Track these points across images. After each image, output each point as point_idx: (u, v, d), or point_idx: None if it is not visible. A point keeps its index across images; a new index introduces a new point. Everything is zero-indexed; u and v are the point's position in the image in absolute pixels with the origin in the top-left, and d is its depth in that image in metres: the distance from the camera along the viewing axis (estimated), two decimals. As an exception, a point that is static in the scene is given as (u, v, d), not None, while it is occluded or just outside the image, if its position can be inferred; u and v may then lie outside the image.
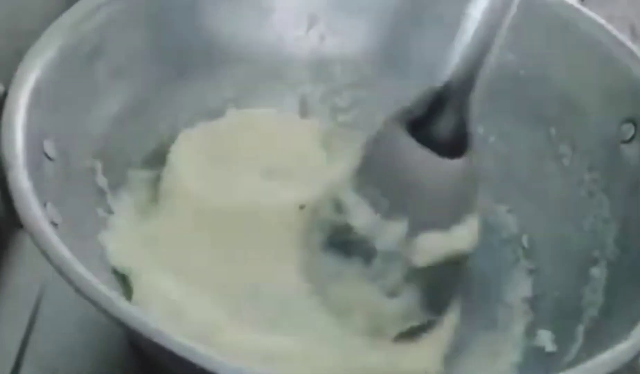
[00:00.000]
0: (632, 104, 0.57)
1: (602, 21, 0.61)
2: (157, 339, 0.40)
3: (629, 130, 0.57)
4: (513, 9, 0.53)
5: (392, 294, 0.54)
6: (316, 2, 0.65)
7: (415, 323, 0.55)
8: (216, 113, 0.63)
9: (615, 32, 0.60)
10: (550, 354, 0.54)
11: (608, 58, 0.59)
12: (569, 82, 0.61)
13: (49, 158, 0.50)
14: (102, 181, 0.55)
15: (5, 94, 0.50)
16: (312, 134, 0.64)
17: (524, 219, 0.62)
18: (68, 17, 0.55)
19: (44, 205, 0.46)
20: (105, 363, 0.54)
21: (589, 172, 0.59)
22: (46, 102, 0.51)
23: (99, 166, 0.55)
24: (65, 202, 0.49)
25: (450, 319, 0.57)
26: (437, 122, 0.55)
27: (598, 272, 0.55)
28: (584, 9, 0.62)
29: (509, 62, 0.63)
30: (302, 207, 0.58)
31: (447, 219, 0.54)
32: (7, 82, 0.50)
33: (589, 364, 0.45)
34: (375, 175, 0.56)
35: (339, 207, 0.56)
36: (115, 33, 0.57)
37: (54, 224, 0.45)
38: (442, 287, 0.56)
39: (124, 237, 0.55)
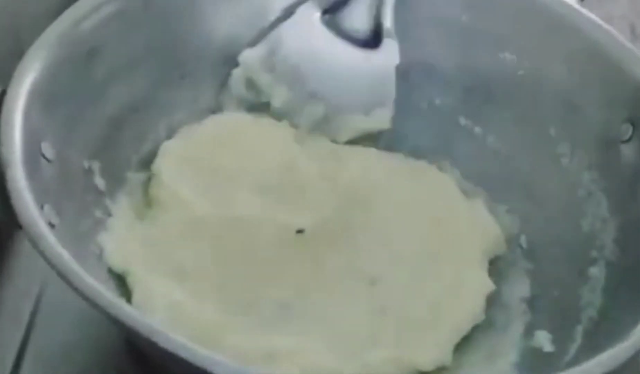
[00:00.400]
0: (630, 104, 0.57)
1: (601, 21, 0.61)
2: (154, 338, 0.40)
3: (627, 130, 0.57)
4: None
5: None
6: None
7: None
8: (215, 113, 0.63)
9: (614, 32, 0.60)
10: (548, 354, 0.54)
11: (607, 58, 0.59)
12: (567, 82, 0.61)
13: (47, 160, 0.50)
14: (99, 182, 0.55)
15: (3, 93, 0.50)
16: (292, 139, 0.63)
17: (522, 219, 0.61)
18: (66, 18, 0.55)
19: (42, 207, 0.46)
20: (104, 362, 0.54)
21: (587, 172, 0.58)
22: (44, 103, 0.51)
23: (96, 167, 0.55)
24: (63, 203, 0.49)
25: (466, 311, 0.57)
26: (350, 13, 0.60)
27: (597, 273, 0.55)
28: (583, 9, 0.62)
29: (507, 62, 0.63)
30: (300, 231, 0.58)
31: (364, 104, 0.61)
32: (6, 82, 0.50)
33: (588, 364, 0.45)
34: (290, 59, 0.60)
35: (251, 86, 0.59)
36: (113, 34, 0.57)
37: (52, 225, 0.46)
38: None
39: (122, 239, 0.55)
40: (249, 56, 0.62)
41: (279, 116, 0.61)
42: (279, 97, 0.61)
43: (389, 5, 0.60)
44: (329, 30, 0.60)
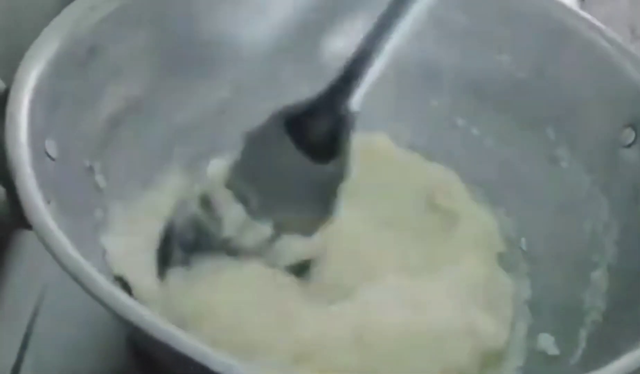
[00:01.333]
0: (631, 108, 0.57)
1: (601, 24, 0.61)
2: (171, 342, 0.40)
3: (629, 135, 0.57)
4: (395, 36, 0.56)
5: None
6: (313, 3, 0.65)
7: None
8: (214, 113, 0.62)
9: (614, 35, 0.60)
10: (553, 358, 0.54)
11: (607, 61, 0.59)
12: (566, 84, 0.61)
13: (51, 158, 0.50)
14: (100, 181, 0.55)
15: (7, 91, 0.49)
16: None
17: (522, 222, 0.62)
18: (67, 16, 0.55)
19: (48, 204, 0.45)
20: (105, 362, 0.54)
21: (588, 176, 0.59)
22: (47, 101, 0.51)
23: (97, 166, 0.55)
24: (67, 202, 0.49)
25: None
26: (312, 126, 0.57)
27: (599, 276, 0.56)
28: (582, 11, 0.62)
29: (506, 65, 0.63)
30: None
31: (309, 223, 0.57)
32: (8, 80, 0.50)
33: (608, 368, 0.44)
34: (250, 170, 0.57)
35: (206, 203, 0.57)
36: (114, 32, 0.57)
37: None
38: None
39: (121, 240, 0.55)
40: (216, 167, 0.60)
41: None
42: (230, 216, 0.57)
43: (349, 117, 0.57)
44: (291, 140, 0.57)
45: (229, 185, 0.56)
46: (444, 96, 0.65)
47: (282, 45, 0.64)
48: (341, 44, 0.64)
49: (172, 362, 0.43)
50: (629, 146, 0.57)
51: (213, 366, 0.39)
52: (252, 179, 0.56)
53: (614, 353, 0.45)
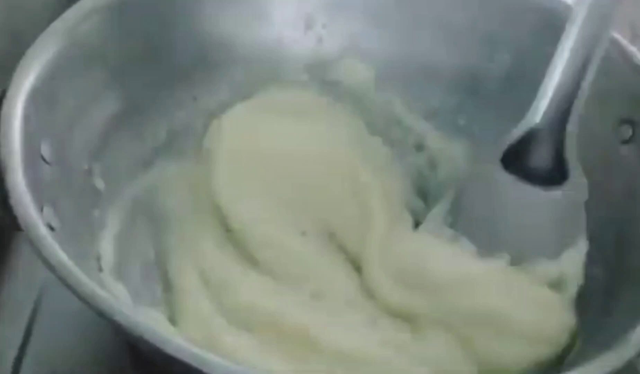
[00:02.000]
0: (630, 105, 0.57)
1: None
2: (157, 344, 0.40)
3: (627, 131, 0.57)
4: (604, 45, 0.55)
5: None
6: (314, 3, 0.65)
7: None
8: (213, 115, 0.62)
9: (612, 33, 0.59)
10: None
11: (606, 59, 0.58)
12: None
13: (46, 161, 0.50)
14: (99, 183, 0.55)
15: (3, 94, 0.50)
16: None
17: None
18: (65, 19, 0.55)
19: (41, 209, 0.46)
20: (104, 363, 0.54)
21: (587, 173, 0.58)
22: (43, 105, 0.51)
23: (96, 168, 0.55)
24: (62, 205, 0.49)
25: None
26: (533, 156, 0.57)
27: (597, 273, 0.55)
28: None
29: (504, 63, 0.63)
30: None
31: (552, 247, 0.56)
32: (5, 83, 0.50)
33: (588, 365, 0.45)
34: (471, 211, 0.57)
35: None
36: (112, 35, 0.57)
37: (51, 228, 0.45)
38: None
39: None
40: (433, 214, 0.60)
41: None
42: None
43: (570, 137, 0.57)
44: (509, 173, 0.57)
45: (451, 225, 0.57)
46: (445, 95, 0.65)
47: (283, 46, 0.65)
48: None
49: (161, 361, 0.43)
50: (627, 142, 0.57)
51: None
52: (475, 218, 0.57)
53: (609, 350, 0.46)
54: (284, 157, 0.60)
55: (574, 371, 0.45)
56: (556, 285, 0.55)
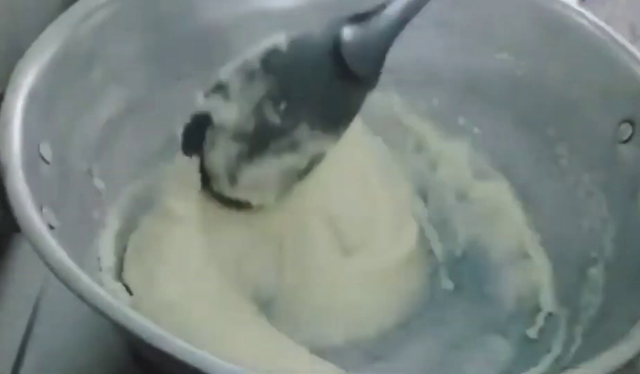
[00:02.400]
0: (630, 104, 0.57)
1: (600, 21, 0.61)
2: (156, 343, 0.40)
3: (626, 130, 0.57)
4: None
5: None
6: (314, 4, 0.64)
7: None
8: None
9: (613, 32, 0.60)
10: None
11: (606, 58, 0.59)
12: (566, 82, 0.61)
13: (45, 161, 0.50)
14: (99, 183, 0.55)
15: (2, 95, 0.50)
16: None
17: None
18: (65, 20, 0.55)
19: (41, 209, 0.46)
20: (104, 362, 0.54)
21: (587, 173, 0.59)
22: (42, 105, 0.51)
23: (96, 168, 0.55)
24: (62, 205, 0.49)
25: None
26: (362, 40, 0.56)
27: (596, 273, 0.55)
28: (582, 9, 0.62)
29: (505, 63, 0.63)
30: None
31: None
32: (4, 83, 0.50)
33: (588, 365, 0.45)
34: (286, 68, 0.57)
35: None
36: (112, 35, 0.57)
37: (51, 228, 0.45)
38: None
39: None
40: None
41: None
42: None
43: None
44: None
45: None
46: (445, 95, 0.65)
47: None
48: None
49: (168, 365, 0.43)
50: (626, 141, 0.57)
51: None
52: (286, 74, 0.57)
53: (609, 350, 0.45)
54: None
55: (574, 371, 0.45)
56: None
